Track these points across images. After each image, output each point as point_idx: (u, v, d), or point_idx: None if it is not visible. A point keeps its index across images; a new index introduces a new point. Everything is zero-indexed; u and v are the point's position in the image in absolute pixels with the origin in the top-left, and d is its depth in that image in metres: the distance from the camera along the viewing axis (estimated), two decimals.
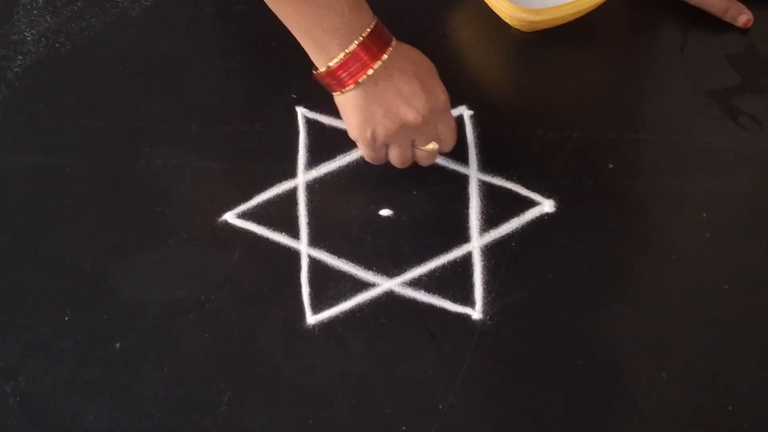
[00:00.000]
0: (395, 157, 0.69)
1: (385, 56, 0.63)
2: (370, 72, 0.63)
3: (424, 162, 0.71)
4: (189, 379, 0.65)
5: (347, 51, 0.62)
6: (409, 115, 0.64)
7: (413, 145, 0.69)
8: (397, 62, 0.64)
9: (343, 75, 0.63)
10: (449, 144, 0.70)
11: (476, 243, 0.71)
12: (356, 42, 0.62)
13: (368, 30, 0.63)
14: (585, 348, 0.67)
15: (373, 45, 0.63)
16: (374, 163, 0.70)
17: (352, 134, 0.68)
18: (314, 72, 0.65)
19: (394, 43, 0.65)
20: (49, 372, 0.66)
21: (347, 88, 0.64)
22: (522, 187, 0.73)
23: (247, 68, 0.79)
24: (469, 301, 0.68)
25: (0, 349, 0.67)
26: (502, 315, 0.67)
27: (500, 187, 0.73)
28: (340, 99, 0.66)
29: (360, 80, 0.63)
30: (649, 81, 0.79)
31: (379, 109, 0.65)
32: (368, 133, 0.66)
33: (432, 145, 0.68)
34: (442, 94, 0.66)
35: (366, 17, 0.63)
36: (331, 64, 0.63)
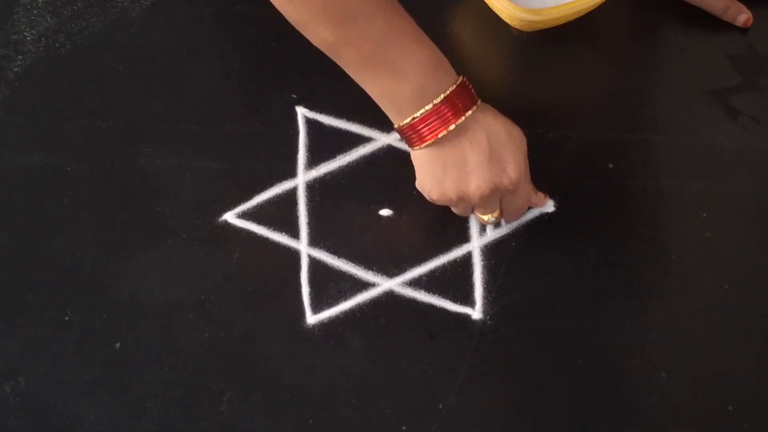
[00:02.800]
0: (456, 211, 0.69)
1: (463, 118, 0.62)
2: (451, 127, 0.61)
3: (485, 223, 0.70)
4: (189, 379, 0.65)
5: (427, 108, 0.61)
6: (470, 187, 0.63)
7: (473, 211, 0.69)
8: (473, 130, 0.62)
9: (414, 134, 0.63)
10: (514, 216, 0.69)
11: (476, 243, 0.71)
12: (427, 107, 0.61)
13: (443, 94, 0.61)
14: (585, 348, 0.67)
15: (459, 101, 0.62)
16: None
17: (420, 184, 0.67)
18: (396, 126, 0.64)
19: (478, 105, 0.63)
20: (49, 372, 0.66)
21: (420, 146, 0.63)
22: None
23: (247, 68, 0.79)
24: (469, 301, 0.68)
25: (0, 349, 0.67)
26: (502, 315, 0.67)
27: None
28: (415, 153, 0.65)
29: (439, 136, 0.62)
30: (649, 81, 0.79)
31: (446, 175, 0.64)
32: (435, 193, 0.65)
33: (487, 217, 0.68)
34: (513, 172, 0.64)
35: (445, 74, 0.62)
36: (405, 121, 0.62)
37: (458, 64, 0.79)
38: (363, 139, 0.75)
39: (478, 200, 0.64)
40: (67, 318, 0.68)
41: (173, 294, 0.69)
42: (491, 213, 0.67)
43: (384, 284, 0.69)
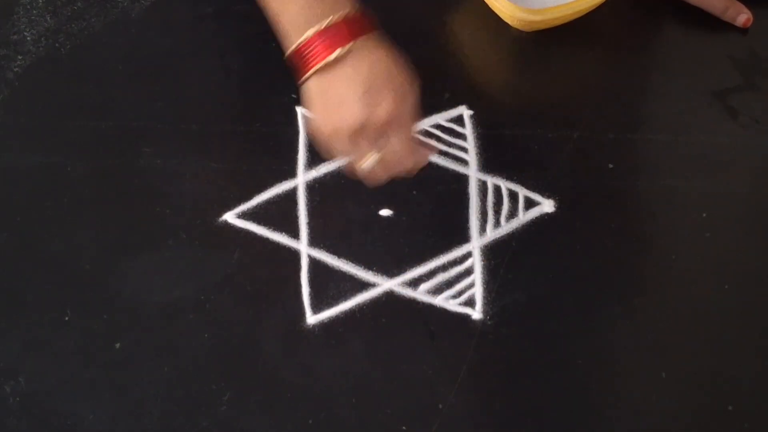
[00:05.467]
0: (338, 150, 0.64)
1: (342, 49, 0.59)
2: (325, 60, 0.59)
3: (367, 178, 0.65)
4: (189, 379, 0.65)
5: (326, 24, 0.59)
6: (340, 119, 0.61)
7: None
8: (356, 59, 0.60)
9: (300, 60, 0.61)
10: (393, 168, 0.64)
11: (476, 243, 0.71)
12: (310, 31, 0.59)
13: (328, 19, 0.60)
14: (585, 348, 0.67)
15: (354, 24, 0.60)
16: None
17: (312, 124, 0.64)
18: (288, 53, 0.62)
19: (363, 38, 0.61)
20: (49, 372, 0.66)
21: (306, 73, 0.61)
22: (522, 187, 0.73)
23: (247, 68, 0.79)
24: (469, 301, 0.68)
25: (0, 349, 0.67)
26: (502, 315, 0.67)
27: (500, 187, 0.73)
28: (303, 89, 0.63)
29: (316, 67, 0.60)
30: (649, 81, 0.79)
31: (327, 103, 0.61)
32: (319, 127, 0.63)
33: (362, 163, 0.63)
34: (384, 110, 0.60)
35: (335, 8, 0.60)
36: (292, 47, 0.61)
37: (458, 64, 0.79)
38: None
39: (347, 135, 0.61)
40: (67, 318, 0.68)
41: (173, 294, 0.69)
42: (366, 157, 0.63)
43: (384, 284, 0.69)
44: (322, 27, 0.60)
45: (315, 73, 0.61)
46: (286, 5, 0.61)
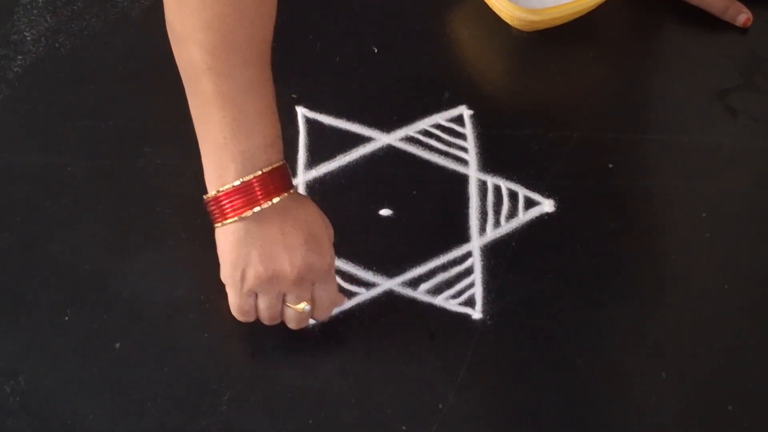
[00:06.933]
0: (262, 306, 0.63)
1: (277, 199, 0.59)
2: (257, 209, 0.59)
3: (292, 323, 0.64)
4: (189, 379, 0.65)
5: (243, 179, 0.58)
6: (285, 264, 0.60)
7: (284, 302, 0.63)
8: (290, 210, 0.60)
9: (228, 205, 0.59)
10: (324, 312, 0.65)
11: (476, 243, 0.71)
12: (254, 174, 0.58)
13: (273, 166, 0.59)
14: (585, 348, 0.67)
15: (272, 183, 0.59)
16: (241, 317, 0.64)
17: (223, 274, 0.62)
18: (204, 197, 0.61)
19: (293, 191, 0.61)
20: (49, 372, 0.66)
21: (228, 220, 0.60)
22: (522, 187, 0.73)
23: None
24: (469, 301, 0.68)
25: (0, 349, 0.67)
26: (502, 315, 0.67)
27: (500, 187, 0.73)
28: (219, 231, 0.61)
29: (243, 215, 0.59)
30: (649, 81, 0.79)
31: (255, 250, 0.60)
32: (238, 274, 0.61)
33: (302, 306, 0.63)
34: (328, 257, 0.62)
35: (276, 154, 0.60)
36: (221, 189, 0.59)
37: (458, 64, 0.79)
38: (363, 139, 0.75)
39: (295, 280, 0.60)
40: (67, 318, 0.68)
41: (173, 294, 0.69)
42: (304, 300, 0.63)
43: (384, 284, 0.69)
44: (264, 172, 0.59)
45: (231, 222, 0.60)
46: (207, 135, 0.60)
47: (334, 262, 0.63)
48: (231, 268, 0.61)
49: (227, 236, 0.61)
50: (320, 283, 0.63)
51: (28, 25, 0.82)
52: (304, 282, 0.61)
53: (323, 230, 0.62)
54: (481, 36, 0.81)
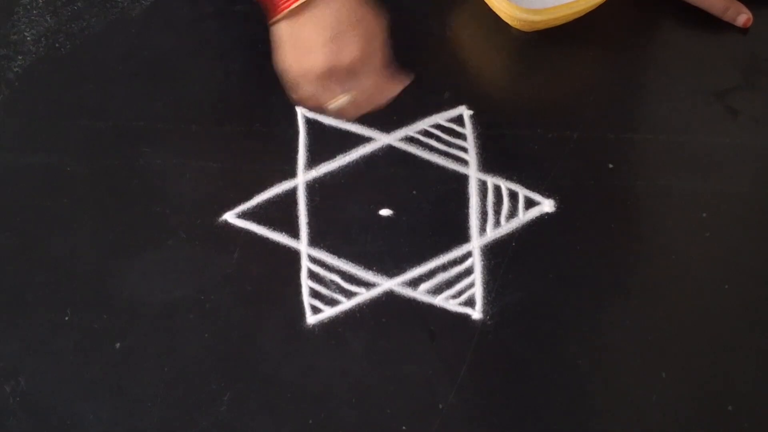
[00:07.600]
0: (306, 93, 0.67)
1: None
2: (294, 5, 0.60)
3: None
4: (189, 379, 0.65)
5: None
6: (308, 62, 0.63)
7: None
8: (325, 6, 0.61)
9: (269, 2, 0.62)
10: (367, 104, 0.67)
11: (476, 243, 0.71)
12: None
13: None
14: (585, 348, 0.67)
15: None
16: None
17: (279, 64, 0.65)
18: None
19: None
20: (49, 372, 0.66)
21: (276, 16, 0.62)
22: (522, 187, 0.73)
23: (247, 68, 0.79)
24: (469, 301, 0.68)
25: (0, 349, 0.67)
26: (502, 315, 0.67)
27: (500, 187, 0.73)
28: (273, 30, 0.64)
29: (285, 11, 0.61)
30: (649, 81, 0.79)
31: (297, 46, 0.63)
32: (288, 68, 0.64)
33: (335, 102, 0.66)
34: (349, 54, 0.63)
35: None
36: None
37: (458, 64, 0.79)
38: (363, 139, 0.75)
39: (315, 78, 0.63)
40: (67, 318, 0.68)
41: (173, 294, 0.69)
42: (339, 96, 0.65)
43: (384, 284, 0.69)
44: None
45: (284, 16, 0.62)
46: None
47: (358, 57, 0.63)
48: (287, 59, 0.64)
49: (281, 30, 0.63)
50: (351, 79, 0.64)
51: (28, 25, 0.82)
52: (329, 79, 0.64)
53: (354, 26, 0.62)
54: (481, 36, 0.81)
